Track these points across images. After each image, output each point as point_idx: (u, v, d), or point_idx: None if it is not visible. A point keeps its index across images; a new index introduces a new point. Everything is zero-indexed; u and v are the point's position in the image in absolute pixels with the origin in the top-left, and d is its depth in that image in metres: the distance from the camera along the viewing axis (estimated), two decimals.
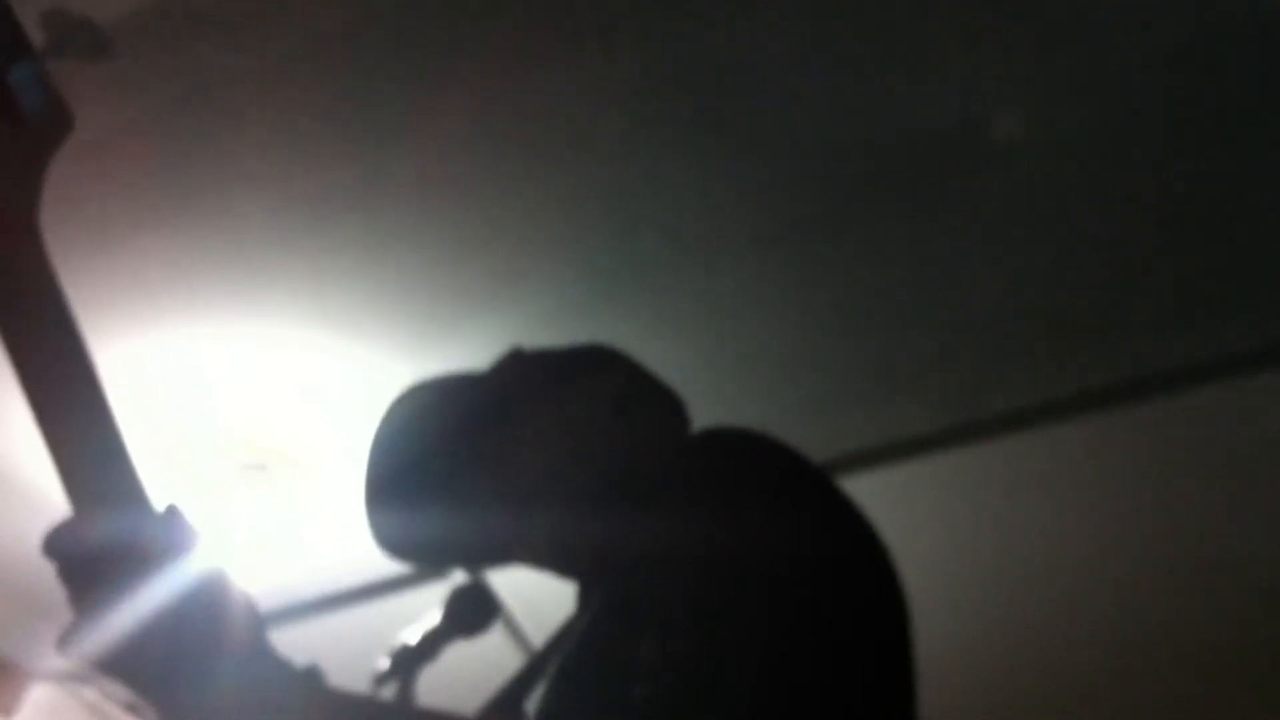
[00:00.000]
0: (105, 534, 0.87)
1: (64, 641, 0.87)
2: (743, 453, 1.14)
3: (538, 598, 2.18)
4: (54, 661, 3.00)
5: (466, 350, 2.36)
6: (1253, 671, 2.95)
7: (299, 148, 2.07)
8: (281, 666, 0.95)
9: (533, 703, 1.16)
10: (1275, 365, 2.39)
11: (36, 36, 0.92)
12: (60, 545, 0.87)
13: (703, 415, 1.43)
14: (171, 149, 2.07)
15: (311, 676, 0.97)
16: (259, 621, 0.95)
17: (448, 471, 1.30)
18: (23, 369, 0.89)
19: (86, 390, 0.90)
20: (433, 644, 1.39)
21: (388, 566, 2.83)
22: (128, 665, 0.87)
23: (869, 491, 1.20)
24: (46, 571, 0.88)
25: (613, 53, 1.94)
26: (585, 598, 1.25)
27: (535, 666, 1.17)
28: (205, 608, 0.89)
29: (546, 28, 1.92)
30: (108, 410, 0.91)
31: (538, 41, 1.94)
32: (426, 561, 1.44)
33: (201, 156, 2.09)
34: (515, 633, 2.91)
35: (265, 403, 2.54)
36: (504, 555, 1.33)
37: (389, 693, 1.36)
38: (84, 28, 0.92)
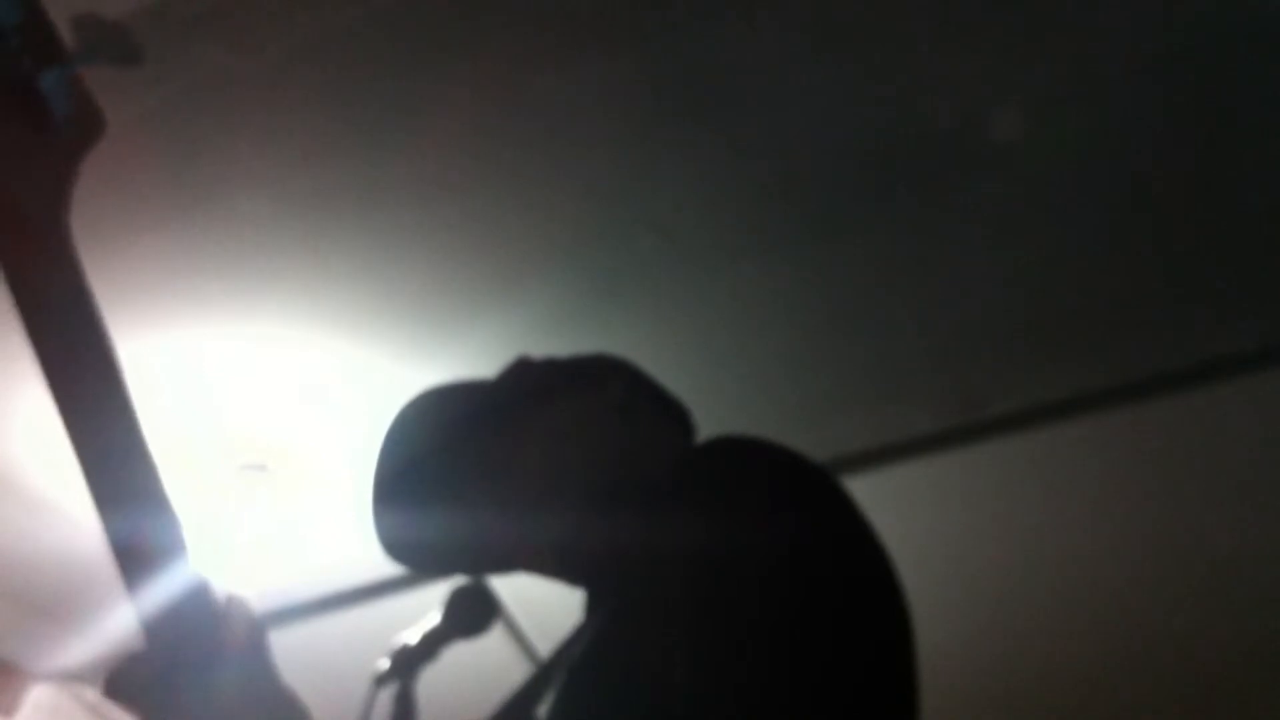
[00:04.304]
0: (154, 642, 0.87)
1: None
2: (747, 458, 1.13)
3: (538, 598, 2.18)
4: (54, 661, 3.00)
5: (466, 350, 2.36)
6: (1253, 671, 2.95)
7: (299, 148, 2.07)
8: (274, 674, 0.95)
9: (542, 711, 1.15)
10: (1275, 365, 2.39)
11: (67, 40, 0.91)
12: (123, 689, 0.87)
13: (703, 416, 1.43)
14: (171, 149, 2.07)
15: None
16: (258, 626, 0.94)
17: (453, 478, 1.29)
18: (52, 375, 0.89)
19: (114, 396, 0.90)
20: (433, 644, 1.39)
21: (388, 567, 2.83)
22: (127, 677, 0.87)
23: (869, 492, 1.20)
24: (46, 572, 0.88)
25: (613, 53, 1.94)
26: (592, 605, 1.25)
27: (544, 674, 1.17)
28: (206, 614, 0.89)
29: (547, 28, 1.92)
30: (133, 415, 0.91)
31: (538, 42, 1.94)
32: (431, 568, 1.44)
33: (202, 156, 2.09)
34: (515, 633, 2.91)
35: (265, 403, 2.54)
36: (509, 563, 1.33)
37: (389, 693, 1.36)
38: (115, 32, 0.91)
